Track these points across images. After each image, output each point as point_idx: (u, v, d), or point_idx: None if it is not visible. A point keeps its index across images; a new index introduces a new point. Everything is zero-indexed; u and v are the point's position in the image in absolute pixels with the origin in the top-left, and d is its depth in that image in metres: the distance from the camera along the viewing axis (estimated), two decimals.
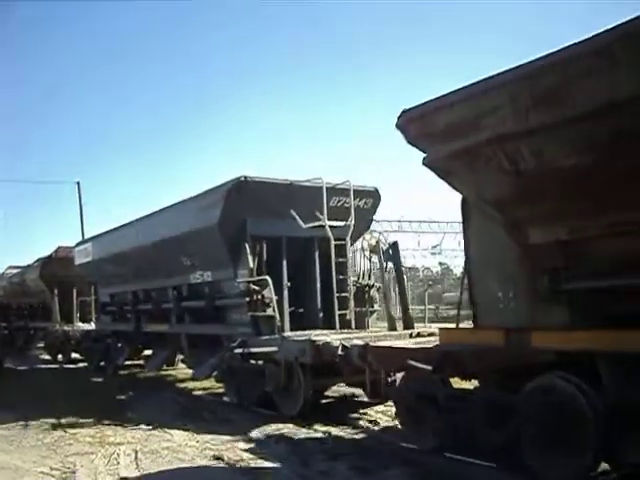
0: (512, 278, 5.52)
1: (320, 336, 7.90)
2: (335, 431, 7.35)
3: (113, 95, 79.25)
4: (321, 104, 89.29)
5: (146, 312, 12.41)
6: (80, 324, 17.63)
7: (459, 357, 5.50)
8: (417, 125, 5.11)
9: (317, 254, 9.76)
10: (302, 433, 7.26)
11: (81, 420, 8.29)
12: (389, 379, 7.88)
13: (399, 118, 5.17)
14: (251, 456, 6.24)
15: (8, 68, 56.71)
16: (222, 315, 9.87)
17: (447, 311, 29.00)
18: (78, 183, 30.04)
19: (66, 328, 16.96)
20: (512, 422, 5.20)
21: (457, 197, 5.97)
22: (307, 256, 9.75)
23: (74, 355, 17.27)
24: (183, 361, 11.78)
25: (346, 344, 7.39)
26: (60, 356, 17.96)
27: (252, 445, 6.74)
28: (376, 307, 10.09)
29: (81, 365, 16.65)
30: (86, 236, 27.55)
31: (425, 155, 5.25)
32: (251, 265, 9.00)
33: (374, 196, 10.08)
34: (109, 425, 8.00)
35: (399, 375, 7.03)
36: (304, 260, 9.74)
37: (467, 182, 5.26)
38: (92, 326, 16.87)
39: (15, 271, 23.78)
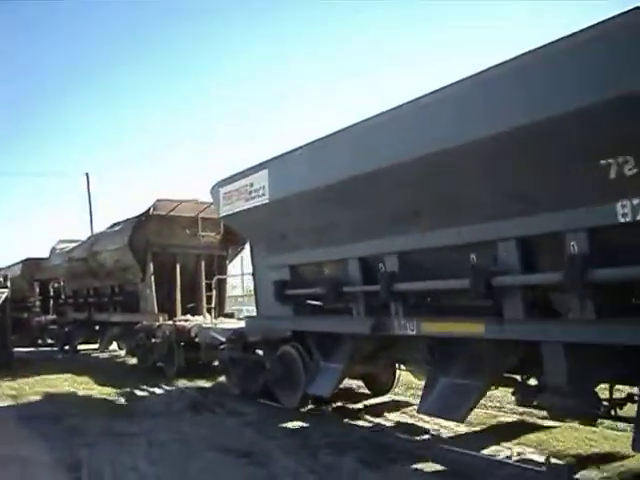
0: None
1: None
2: None
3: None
4: None
5: (408, 296, 6.16)
6: (193, 317, 11.66)
7: None
8: None
9: None
10: None
11: None
12: None
13: None
14: None
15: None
16: None
17: None
18: (87, 174, 28.34)
19: (183, 324, 10.82)
20: None
21: None
22: None
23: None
24: (523, 401, 5.46)
25: None
26: (161, 364, 11.83)
27: None
28: None
29: (199, 383, 10.67)
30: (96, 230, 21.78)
31: None
32: None
33: None
34: None
35: None
36: None
37: None
38: (222, 323, 10.87)
39: (72, 245, 17.62)
